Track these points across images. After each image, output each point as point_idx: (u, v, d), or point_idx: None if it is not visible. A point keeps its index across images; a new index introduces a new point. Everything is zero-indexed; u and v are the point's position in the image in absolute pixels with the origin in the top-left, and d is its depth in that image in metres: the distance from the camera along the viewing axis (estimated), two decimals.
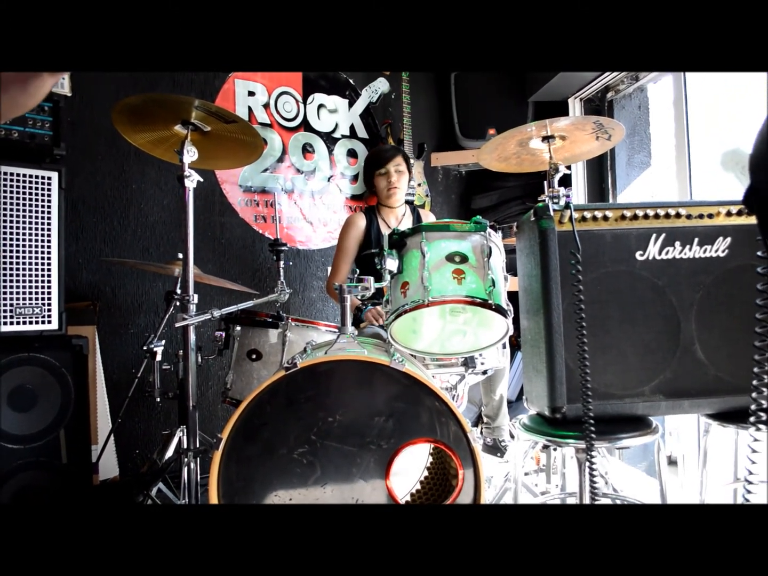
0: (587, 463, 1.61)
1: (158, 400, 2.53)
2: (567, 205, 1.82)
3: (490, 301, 1.84)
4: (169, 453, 2.33)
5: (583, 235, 1.79)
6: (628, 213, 1.84)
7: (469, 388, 2.62)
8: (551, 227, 1.80)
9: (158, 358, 2.54)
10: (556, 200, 2.05)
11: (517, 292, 2.11)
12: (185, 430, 2.23)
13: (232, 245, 3.58)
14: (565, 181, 2.19)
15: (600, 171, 4.14)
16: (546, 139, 2.20)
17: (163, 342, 2.54)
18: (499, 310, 1.87)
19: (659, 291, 1.84)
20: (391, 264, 1.93)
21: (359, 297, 1.92)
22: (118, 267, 3.19)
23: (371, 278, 1.90)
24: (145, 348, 2.52)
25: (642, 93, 3.87)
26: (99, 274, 3.15)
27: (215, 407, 3.45)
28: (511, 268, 2.09)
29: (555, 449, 2.54)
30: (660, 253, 1.85)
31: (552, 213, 1.82)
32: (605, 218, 1.84)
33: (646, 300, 1.84)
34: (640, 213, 1.85)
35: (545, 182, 2.27)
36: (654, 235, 1.85)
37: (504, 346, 2.59)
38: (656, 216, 1.86)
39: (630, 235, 1.85)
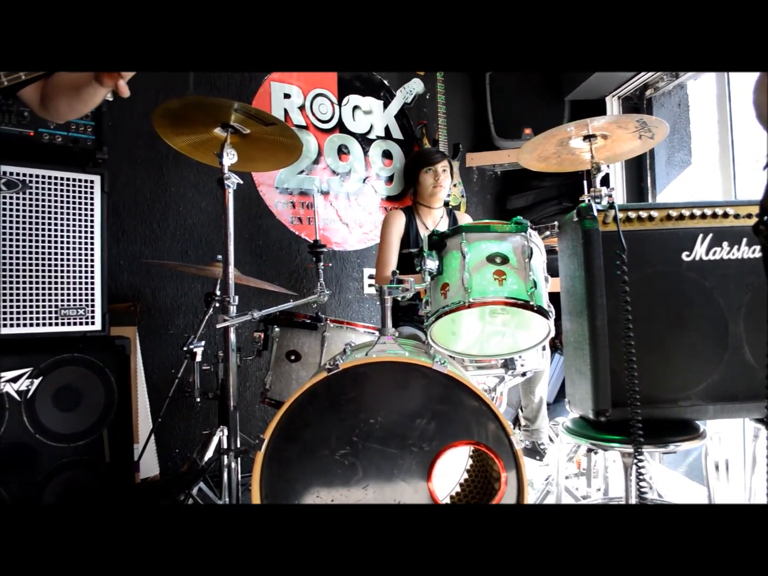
0: (635, 468, 1.58)
1: (198, 400, 2.56)
2: (611, 206, 1.79)
3: (531, 303, 1.82)
4: (210, 453, 2.35)
5: (627, 236, 1.76)
6: (674, 213, 1.81)
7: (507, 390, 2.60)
8: (595, 228, 1.77)
9: (198, 358, 2.56)
10: (598, 200, 2.03)
11: (557, 293, 2.09)
12: (225, 431, 2.25)
13: (270, 247, 3.60)
14: (604, 180, 2.16)
15: (639, 170, 4.07)
16: (587, 138, 2.17)
17: (203, 343, 2.57)
18: (541, 311, 1.85)
19: (706, 292, 1.80)
20: (431, 265, 1.92)
21: (400, 298, 1.91)
22: (158, 269, 3.23)
23: (412, 279, 1.89)
24: (185, 349, 2.55)
25: (682, 90, 3.80)
26: (139, 275, 3.20)
27: (253, 407, 3.48)
28: (549, 269, 2.07)
29: (596, 453, 2.50)
30: (707, 254, 1.81)
31: (596, 213, 1.79)
32: (650, 218, 1.81)
33: (693, 301, 1.80)
34: (686, 213, 1.81)
35: (585, 182, 2.25)
36: (701, 236, 1.82)
37: (544, 348, 2.57)
38: (703, 216, 1.82)
39: (676, 235, 1.81)
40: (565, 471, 2.73)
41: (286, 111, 3.71)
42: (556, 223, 2.21)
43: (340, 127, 3.94)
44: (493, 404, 1.70)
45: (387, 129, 4.16)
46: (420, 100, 4.31)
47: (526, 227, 1.93)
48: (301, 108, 3.77)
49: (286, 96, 3.73)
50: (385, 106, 4.16)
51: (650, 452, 1.92)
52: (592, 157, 2.19)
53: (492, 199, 4.63)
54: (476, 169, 4.51)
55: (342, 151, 3.94)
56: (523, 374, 2.57)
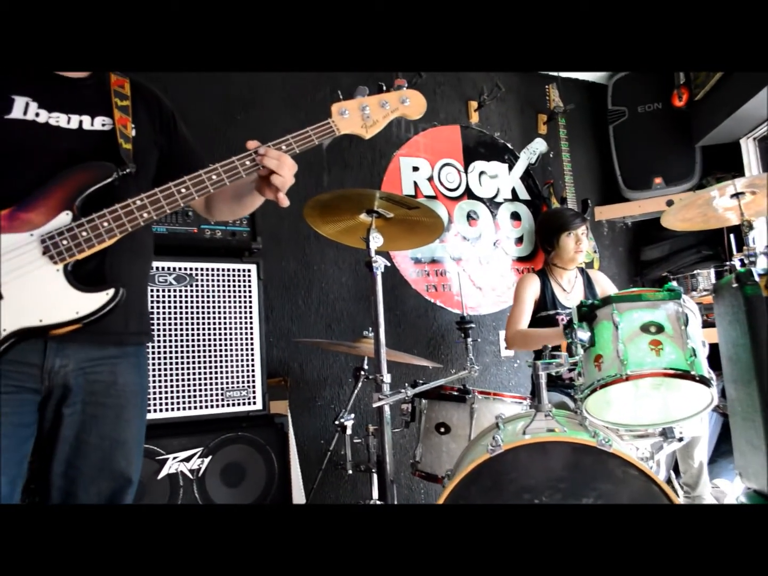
0: None
1: (350, 472, 2.64)
2: None
3: (692, 372, 1.77)
4: None
5: None
6: None
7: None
8: (758, 294, 1.71)
9: (348, 431, 2.65)
10: (753, 259, 1.96)
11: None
12: (381, 503, 2.30)
13: (406, 316, 3.70)
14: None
15: None
16: (735, 195, 2.11)
17: (353, 416, 2.66)
18: (704, 380, 1.79)
19: None
20: (583, 336, 1.91)
21: (554, 373, 1.91)
22: (304, 343, 3.39)
23: (565, 354, 1.89)
24: (336, 422, 2.64)
25: None
26: (288, 350, 3.37)
27: (399, 476, 3.52)
28: None
29: None
30: None
31: (757, 278, 1.73)
32: None
33: None
34: None
35: (731, 235, 2.18)
36: None
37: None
38: None
39: None
40: None
41: (415, 183, 3.85)
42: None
43: (468, 193, 4.03)
44: (660, 480, 1.65)
45: (513, 191, 4.20)
46: (544, 159, 4.34)
47: (679, 294, 1.89)
48: (430, 179, 3.90)
49: (415, 169, 3.87)
50: (510, 168, 4.22)
51: None
52: (741, 215, 2.12)
53: (624, 252, 4.53)
54: (606, 222, 4.45)
55: (471, 216, 4.01)
56: (680, 440, 2.46)
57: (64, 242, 1.37)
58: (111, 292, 1.40)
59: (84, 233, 1.38)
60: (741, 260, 1.98)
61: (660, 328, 1.84)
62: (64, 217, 1.39)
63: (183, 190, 1.45)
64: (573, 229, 3.17)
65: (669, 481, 3.27)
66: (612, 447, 1.62)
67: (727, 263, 1.94)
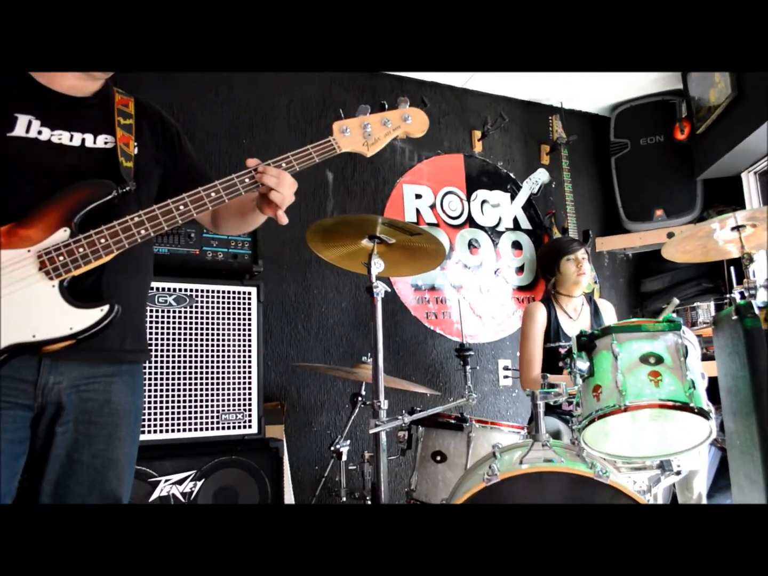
0: None
1: (344, 499, 2.60)
2: None
3: (691, 404, 1.75)
4: None
5: None
6: None
7: None
8: (758, 326, 1.70)
9: (344, 458, 2.63)
10: (752, 292, 1.96)
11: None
12: None
13: (406, 342, 3.69)
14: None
15: None
16: (735, 228, 2.11)
17: (348, 442, 2.64)
18: (702, 413, 1.77)
19: None
20: (582, 366, 1.90)
21: (552, 402, 1.90)
22: (302, 368, 3.38)
23: (564, 383, 1.87)
24: (332, 448, 2.62)
25: None
26: (286, 375, 3.36)
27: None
28: None
29: None
30: None
31: (757, 311, 1.73)
32: None
33: None
34: None
35: (731, 268, 2.17)
36: None
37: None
38: None
39: None
40: None
41: (418, 210, 3.87)
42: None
43: (470, 221, 4.04)
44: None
45: (515, 220, 4.22)
46: (546, 189, 4.36)
47: (679, 325, 1.88)
48: (432, 207, 3.92)
49: (418, 196, 3.89)
50: (512, 198, 4.24)
51: None
52: (742, 248, 2.12)
53: (625, 283, 4.53)
54: (607, 253, 4.46)
55: (472, 245, 4.02)
56: (678, 473, 2.43)
57: (61, 258, 1.37)
58: (106, 308, 1.39)
59: (81, 249, 1.38)
60: (741, 293, 1.98)
61: (659, 360, 1.83)
62: (62, 234, 1.39)
63: (181, 207, 1.46)
64: (572, 253, 3.17)
65: None
66: (609, 479, 1.60)
67: (727, 296, 1.94)
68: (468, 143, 4.17)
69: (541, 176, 4.38)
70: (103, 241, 1.40)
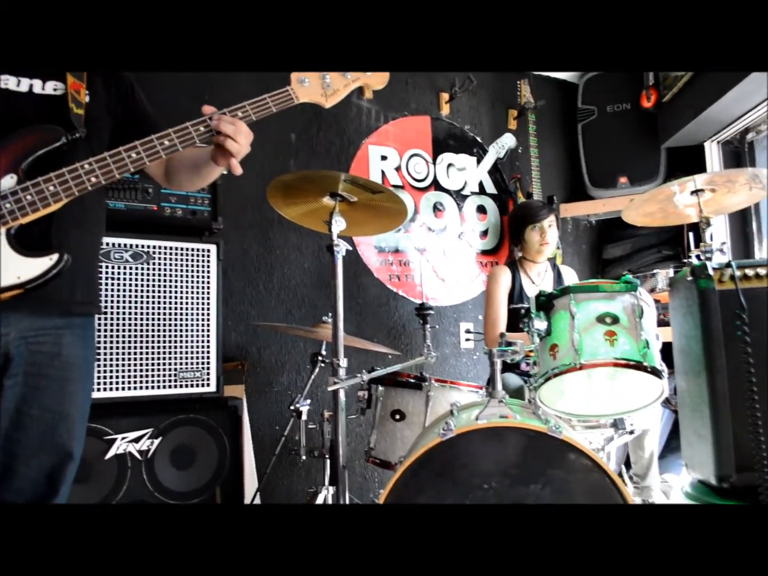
0: None
1: (304, 458, 2.61)
2: (728, 264, 1.75)
3: (645, 363, 1.79)
4: None
5: (746, 294, 1.71)
6: None
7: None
8: (711, 287, 1.73)
9: (304, 417, 2.63)
10: (709, 255, 1.99)
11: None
12: (333, 489, 2.28)
13: (369, 304, 3.68)
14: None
15: (743, 217, 3.94)
16: (695, 192, 2.13)
17: (309, 401, 2.63)
18: (655, 372, 1.80)
19: None
20: (540, 326, 1.92)
21: (509, 360, 1.91)
22: (263, 328, 3.35)
23: (521, 342, 1.89)
24: (291, 407, 2.62)
25: None
26: (246, 335, 3.33)
27: (353, 464, 3.50)
28: None
29: None
30: None
31: (711, 272, 1.75)
32: None
33: None
34: None
35: (690, 234, 2.20)
36: None
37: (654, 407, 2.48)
38: None
39: None
40: None
41: (383, 172, 3.83)
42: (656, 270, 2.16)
43: (435, 184, 4.02)
44: (610, 469, 1.66)
45: (481, 184, 4.21)
46: (513, 154, 4.36)
47: (635, 286, 1.90)
48: (398, 168, 3.88)
49: (383, 158, 3.85)
50: (479, 162, 4.22)
51: None
52: (700, 212, 2.15)
53: (587, 249, 4.58)
54: (570, 219, 4.49)
55: (437, 208, 4.01)
56: (631, 432, 2.49)
57: (8, 206, 1.32)
58: (55, 257, 1.36)
59: (28, 197, 1.33)
60: (697, 256, 2.00)
61: (615, 320, 1.85)
62: (9, 181, 1.35)
63: (133, 155, 1.41)
64: (538, 221, 3.18)
65: (620, 475, 3.32)
66: (562, 434, 1.62)
67: (685, 261, 1.96)
68: (435, 105, 4.12)
69: (508, 141, 4.37)
70: (51, 188, 1.36)
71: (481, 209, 4.19)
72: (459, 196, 4.11)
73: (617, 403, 2.07)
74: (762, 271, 1.76)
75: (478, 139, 4.25)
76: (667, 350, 2.05)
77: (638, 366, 1.78)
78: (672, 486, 3.09)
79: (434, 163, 4.03)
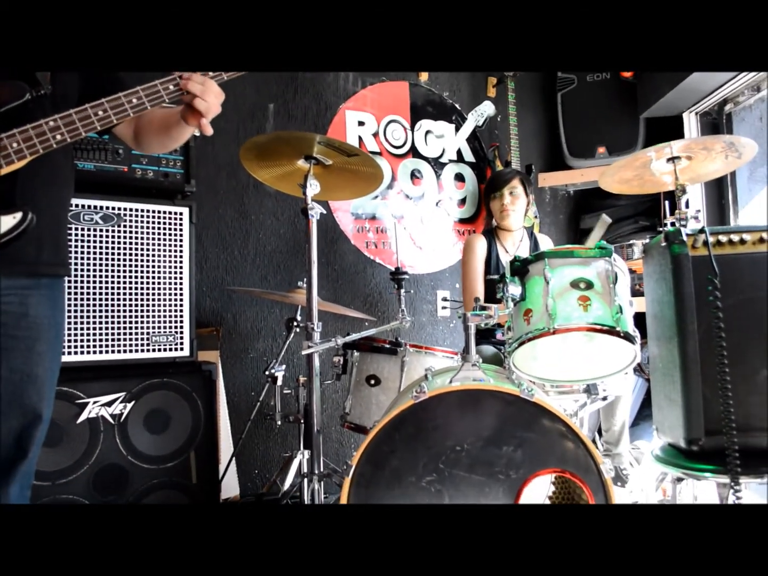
0: (733, 500, 1.53)
1: (279, 423, 2.61)
2: (701, 230, 1.76)
3: (617, 328, 1.80)
4: (290, 475, 2.39)
5: (719, 260, 1.72)
6: (766, 236, 1.76)
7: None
8: (684, 253, 1.74)
9: (279, 382, 2.62)
10: (684, 222, 2.00)
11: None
12: (308, 454, 2.30)
13: (345, 271, 3.67)
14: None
15: (719, 187, 3.96)
16: (671, 159, 2.14)
17: (284, 367, 2.63)
18: (627, 337, 1.82)
19: None
20: (514, 291, 1.92)
21: (483, 325, 1.92)
22: (239, 294, 3.33)
23: (495, 306, 1.89)
24: (267, 373, 2.61)
25: (763, 104, 3.68)
26: (221, 301, 3.31)
27: (330, 430, 3.52)
28: None
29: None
30: None
31: (685, 238, 1.76)
32: (742, 242, 1.77)
33: None
34: None
35: (666, 203, 2.21)
36: None
37: (626, 372, 2.52)
38: None
39: None
40: (650, 499, 2.65)
41: (360, 138, 3.79)
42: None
43: (413, 151, 3.99)
44: (582, 433, 1.68)
45: (459, 152, 4.18)
46: (491, 122, 4.32)
47: (610, 252, 1.91)
48: (375, 135, 3.84)
49: (360, 123, 3.80)
50: (457, 129, 4.19)
51: (746, 483, 1.86)
52: (676, 179, 2.15)
53: (565, 219, 4.58)
54: (549, 189, 4.48)
55: (415, 175, 3.98)
56: (604, 398, 2.52)
57: None
58: (19, 215, 1.32)
59: None
60: (672, 223, 2.01)
61: (589, 285, 1.86)
62: None
63: (100, 113, 1.37)
64: (496, 190, 3.20)
65: (593, 441, 3.37)
66: (534, 397, 1.64)
67: (660, 229, 1.97)
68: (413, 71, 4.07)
69: (487, 109, 4.33)
70: (15, 145, 1.32)
71: (459, 177, 4.17)
72: (437, 164, 4.08)
73: (590, 369, 2.09)
74: (735, 238, 1.78)
75: (457, 106, 4.21)
76: (641, 319, 2.07)
77: (611, 331, 1.80)
78: (643, 452, 3.15)
79: (412, 129, 3.99)
